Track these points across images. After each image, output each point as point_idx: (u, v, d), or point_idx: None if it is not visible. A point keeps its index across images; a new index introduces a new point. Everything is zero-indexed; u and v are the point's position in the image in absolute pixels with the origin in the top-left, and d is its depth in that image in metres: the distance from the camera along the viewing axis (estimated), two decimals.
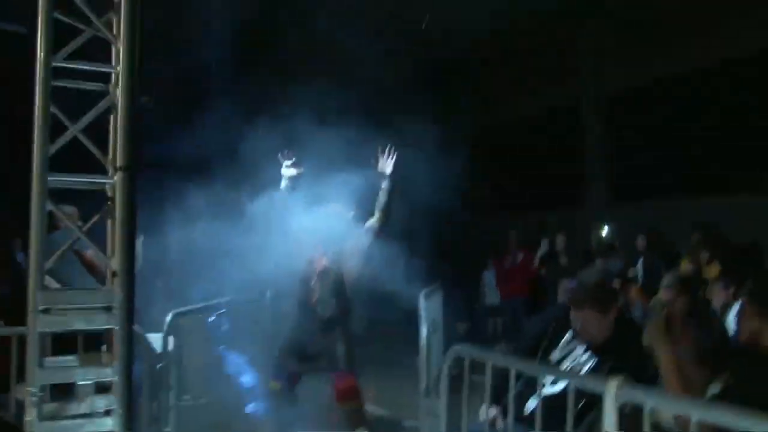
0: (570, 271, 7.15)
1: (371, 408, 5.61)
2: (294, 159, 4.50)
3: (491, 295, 9.60)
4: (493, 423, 2.93)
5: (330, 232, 4.69)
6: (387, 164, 4.62)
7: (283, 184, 4.54)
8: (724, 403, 1.79)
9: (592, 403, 2.51)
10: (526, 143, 12.49)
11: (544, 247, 8.49)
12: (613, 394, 1.82)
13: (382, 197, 4.66)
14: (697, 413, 1.71)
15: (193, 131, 4.80)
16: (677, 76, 10.20)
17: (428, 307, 5.24)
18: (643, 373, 2.33)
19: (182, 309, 4.04)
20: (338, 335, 4.63)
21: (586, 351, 2.86)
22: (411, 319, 5.33)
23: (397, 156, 4.61)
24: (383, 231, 4.73)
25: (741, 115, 9.14)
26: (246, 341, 5.33)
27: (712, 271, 6.53)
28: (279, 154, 4.46)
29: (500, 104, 13.24)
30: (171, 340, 4.04)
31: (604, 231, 8.23)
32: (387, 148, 4.60)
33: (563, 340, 2.95)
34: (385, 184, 4.62)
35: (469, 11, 9.79)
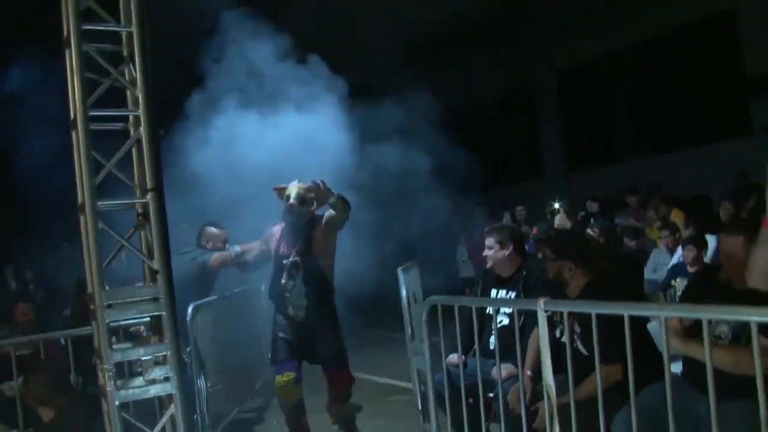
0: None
1: (366, 377, 6.29)
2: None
3: (465, 269, 10.33)
4: (462, 365, 3.66)
5: (293, 224, 4.24)
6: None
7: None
8: None
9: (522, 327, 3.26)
10: (487, 123, 13.24)
11: (505, 219, 9.24)
12: (542, 306, 2.53)
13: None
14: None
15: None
16: (618, 50, 11.04)
17: (407, 280, 5.89)
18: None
19: (199, 302, 4.60)
20: (321, 331, 4.22)
21: (508, 292, 3.77)
22: (396, 297, 5.88)
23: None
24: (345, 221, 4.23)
25: (677, 82, 10.02)
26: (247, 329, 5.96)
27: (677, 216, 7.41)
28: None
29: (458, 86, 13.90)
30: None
31: (556, 205, 9.12)
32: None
33: (492, 294, 3.81)
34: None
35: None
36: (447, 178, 8.84)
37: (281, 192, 4.28)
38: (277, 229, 4.43)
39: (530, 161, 12.88)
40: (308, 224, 4.27)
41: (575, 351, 2.99)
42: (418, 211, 9.35)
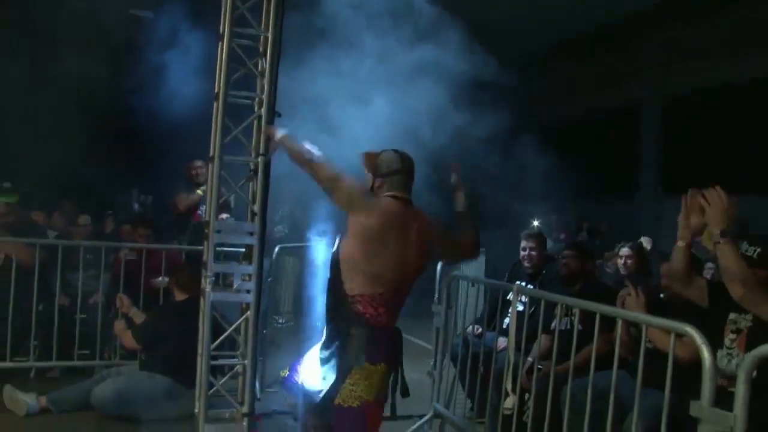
0: None
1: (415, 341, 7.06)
2: None
3: None
4: (479, 335, 4.48)
5: None
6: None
7: None
8: None
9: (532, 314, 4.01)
10: (587, 135, 13.57)
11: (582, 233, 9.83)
12: (515, 292, 3.34)
13: None
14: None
15: None
16: (734, 84, 11.06)
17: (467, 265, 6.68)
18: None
19: (286, 245, 5.66)
20: None
21: (527, 284, 4.48)
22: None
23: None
24: None
25: None
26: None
27: None
28: None
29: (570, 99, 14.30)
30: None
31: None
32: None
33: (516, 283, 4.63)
34: None
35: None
36: (537, 182, 9.45)
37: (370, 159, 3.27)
38: None
39: (625, 179, 13.11)
40: None
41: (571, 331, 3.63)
42: (505, 208, 9.99)
